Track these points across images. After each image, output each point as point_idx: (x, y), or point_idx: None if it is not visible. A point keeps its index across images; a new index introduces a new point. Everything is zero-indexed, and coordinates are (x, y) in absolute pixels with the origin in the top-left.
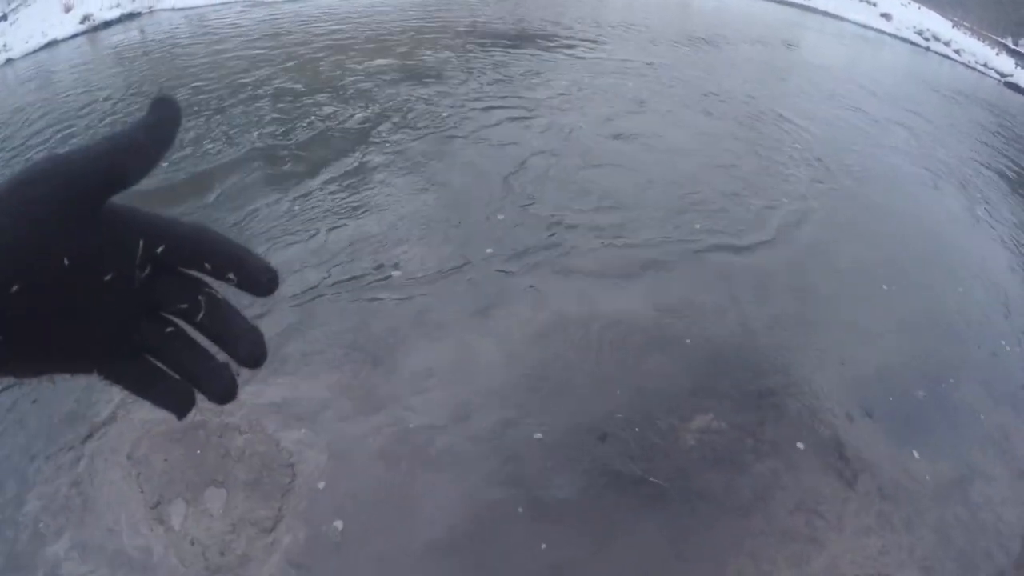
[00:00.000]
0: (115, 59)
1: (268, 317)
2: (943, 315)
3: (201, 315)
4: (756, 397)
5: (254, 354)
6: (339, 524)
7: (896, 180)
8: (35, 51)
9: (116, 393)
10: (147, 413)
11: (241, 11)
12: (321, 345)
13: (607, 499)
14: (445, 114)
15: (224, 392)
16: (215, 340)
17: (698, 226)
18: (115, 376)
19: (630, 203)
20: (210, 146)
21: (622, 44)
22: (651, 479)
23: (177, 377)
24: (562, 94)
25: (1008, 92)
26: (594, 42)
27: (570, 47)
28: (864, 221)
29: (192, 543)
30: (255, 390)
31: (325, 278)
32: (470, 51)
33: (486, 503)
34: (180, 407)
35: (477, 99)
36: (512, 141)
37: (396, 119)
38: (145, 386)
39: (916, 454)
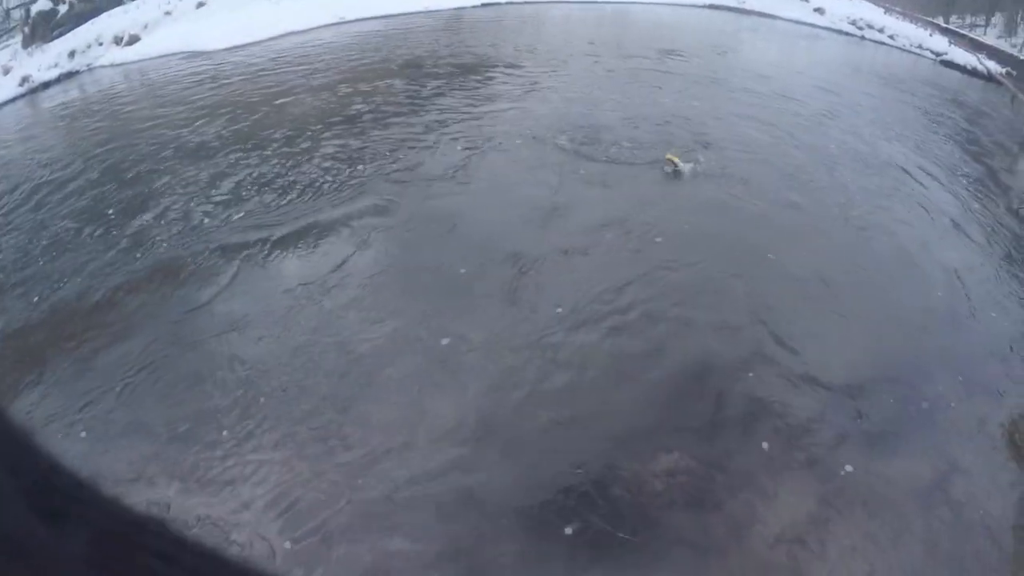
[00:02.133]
0: (56, 120)
1: None
2: (902, 312)
3: None
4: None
5: None
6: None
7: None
8: None
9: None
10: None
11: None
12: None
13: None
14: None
15: None
16: None
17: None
18: None
19: None
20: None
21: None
22: (620, 534)
23: None
24: None
25: (945, 70)
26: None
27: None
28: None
29: None
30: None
31: None
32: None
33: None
34: None
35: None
36: None
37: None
38: None
39: (893, 460)
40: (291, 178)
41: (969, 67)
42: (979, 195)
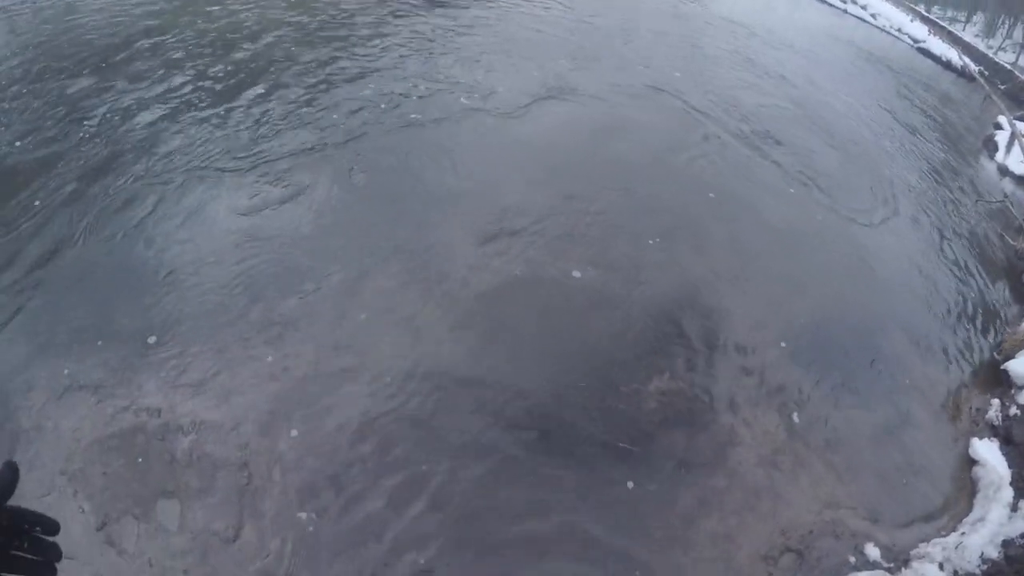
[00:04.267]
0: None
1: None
2: (861, 268)
3: (26, 544)
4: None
5: (56, 556)
6: (303, 515)
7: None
8: None
9: (36, 398)
10: (74, 421)
11: None
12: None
13: (579, 462)
14: None
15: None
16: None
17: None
18: None
19: None
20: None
21: None
22: (620, 444)
23: None
24: None
25: (920, 57)
26: None
27: None
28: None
29: (151, 564)
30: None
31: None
32: None
33: (469, 477)
34: None
35: None
36: None
37: None
38: None
39: (854, 405)
40: None
41: (944, 59)
42: (937, 177)
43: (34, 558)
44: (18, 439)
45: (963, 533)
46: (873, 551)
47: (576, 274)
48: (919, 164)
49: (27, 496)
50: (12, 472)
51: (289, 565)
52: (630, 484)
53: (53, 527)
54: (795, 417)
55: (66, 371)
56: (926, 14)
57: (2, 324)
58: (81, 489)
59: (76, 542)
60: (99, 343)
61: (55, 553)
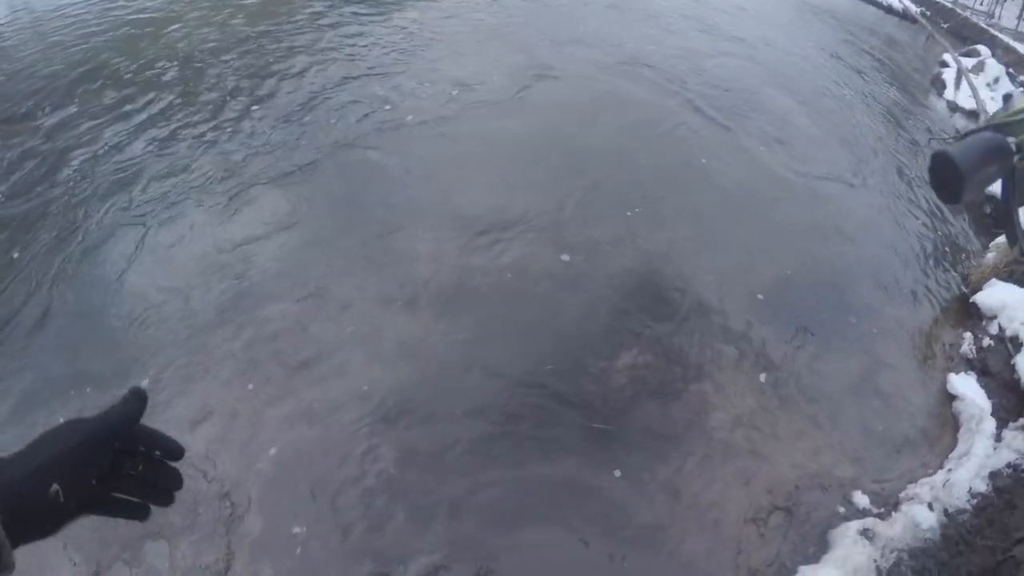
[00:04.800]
0: None
1: None
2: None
3: (141, 467)
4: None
5: (176, 483)
6: (297, 529)
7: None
8: None
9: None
10: None
11: None
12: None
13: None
14: None
15: (162, 502)
16: (152, 480)
17: None
18: (98, 512)
19: None
20: None
21: None
22: (596, 425)
23: (135, 500)
24: None
25: (861, 3)
26: None
27: None
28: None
29: None
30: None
31: None
32: None
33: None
34: (141, 515)
35: None
36: None
37: None
38: (116, 511)
39: (827, 357)
40: None
41: (886, 3)
42: (893, 120)
43: (153, 482)
44: None
45: (949, 470)
46: (862, 499)
47: (565, 258)
48: (876, 108)
49: (18, 553)
50: (138, 399)
51: None
52: (617, 473)
53: (177, 452)
54: (767, 375)
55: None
56: None
57: None
58: (70, 541)
59: None
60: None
61: (175, 480)
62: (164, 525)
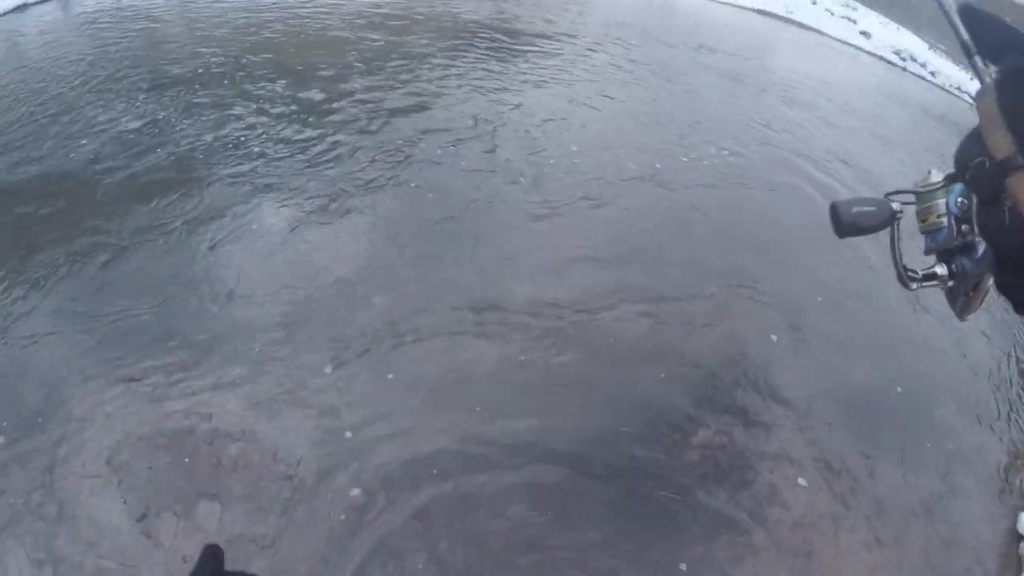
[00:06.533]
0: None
1: None
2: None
3: None
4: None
5: None
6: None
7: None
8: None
9: (89, 390)
10: (126, 415)
11: None
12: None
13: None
14: None
15: None
16: None
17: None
18: None
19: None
20: None
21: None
22: (661, 493)
23: None
24: None
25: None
26: None
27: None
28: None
29: (184, 560)
30: (249, 391)
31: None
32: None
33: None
34: None
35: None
36: None
37: None
38: None
39: (900, 472)
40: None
41: None
42: None
43: None
44: (69, 423)
45: None
46: None
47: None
48: None
49: (68, 487)
50: (216, 559)
51: None
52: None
53: None
54: (839, 481)
55: (123, 367)
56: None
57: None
58: (125, 480)
59: (112, 527)
60: (170, 344)
61: None
62: (222, 489)
